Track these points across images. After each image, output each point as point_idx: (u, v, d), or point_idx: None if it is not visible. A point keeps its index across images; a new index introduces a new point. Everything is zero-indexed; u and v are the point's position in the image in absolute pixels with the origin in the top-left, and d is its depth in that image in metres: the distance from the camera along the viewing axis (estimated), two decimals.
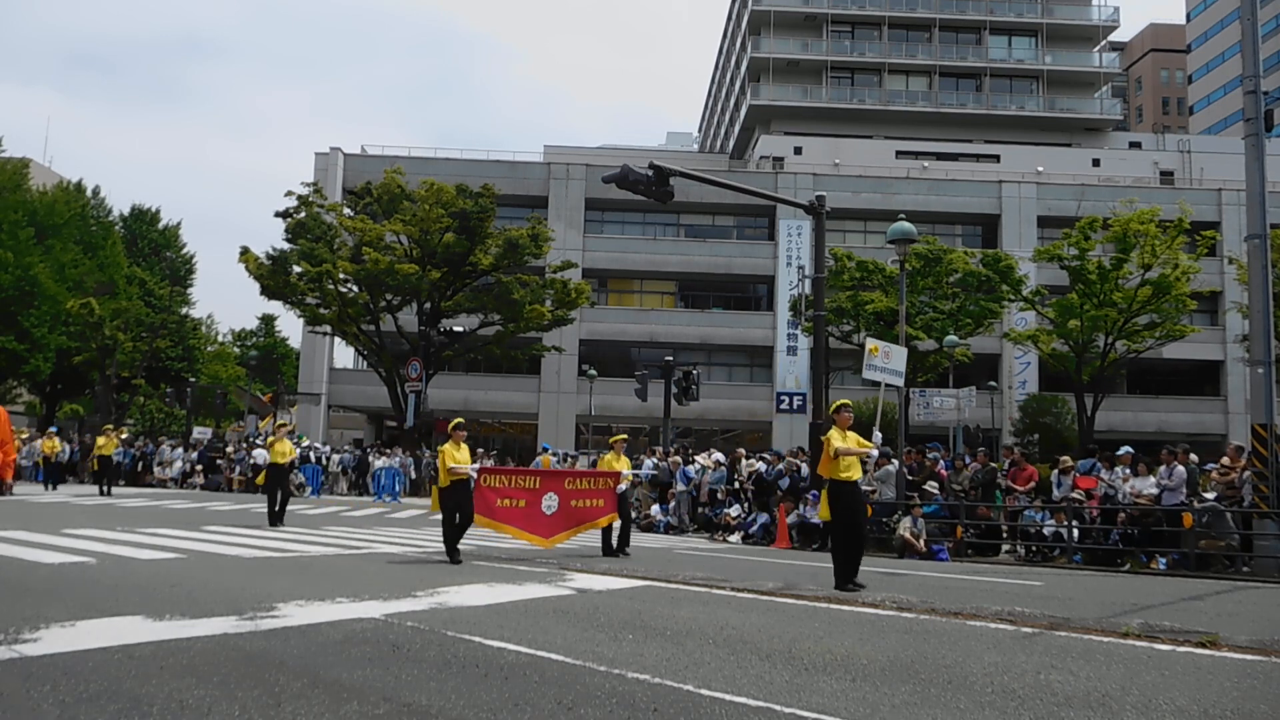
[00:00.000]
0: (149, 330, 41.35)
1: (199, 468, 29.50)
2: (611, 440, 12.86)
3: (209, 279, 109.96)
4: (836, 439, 8.95)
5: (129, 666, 4.61)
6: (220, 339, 59.11)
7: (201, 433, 36.37)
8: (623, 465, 12.29)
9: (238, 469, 28.91)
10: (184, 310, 48.52)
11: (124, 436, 30.35)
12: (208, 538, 11.94)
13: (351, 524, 16.69)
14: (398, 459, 27.27)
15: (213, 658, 4.86)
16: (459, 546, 10.44)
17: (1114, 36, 57.89)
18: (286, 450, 15.48)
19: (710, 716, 4.07)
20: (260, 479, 16.41)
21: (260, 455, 28.51)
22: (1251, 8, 13.43)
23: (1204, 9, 71.77)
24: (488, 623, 6.27)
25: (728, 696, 4.41)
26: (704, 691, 4.49)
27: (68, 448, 29.09)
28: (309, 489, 26.81)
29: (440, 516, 10.64)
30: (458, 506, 10.40)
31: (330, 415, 43.13)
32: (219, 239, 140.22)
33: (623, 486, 11.97)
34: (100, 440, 23.67)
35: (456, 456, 10.50)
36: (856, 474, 9.03)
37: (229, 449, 30.49)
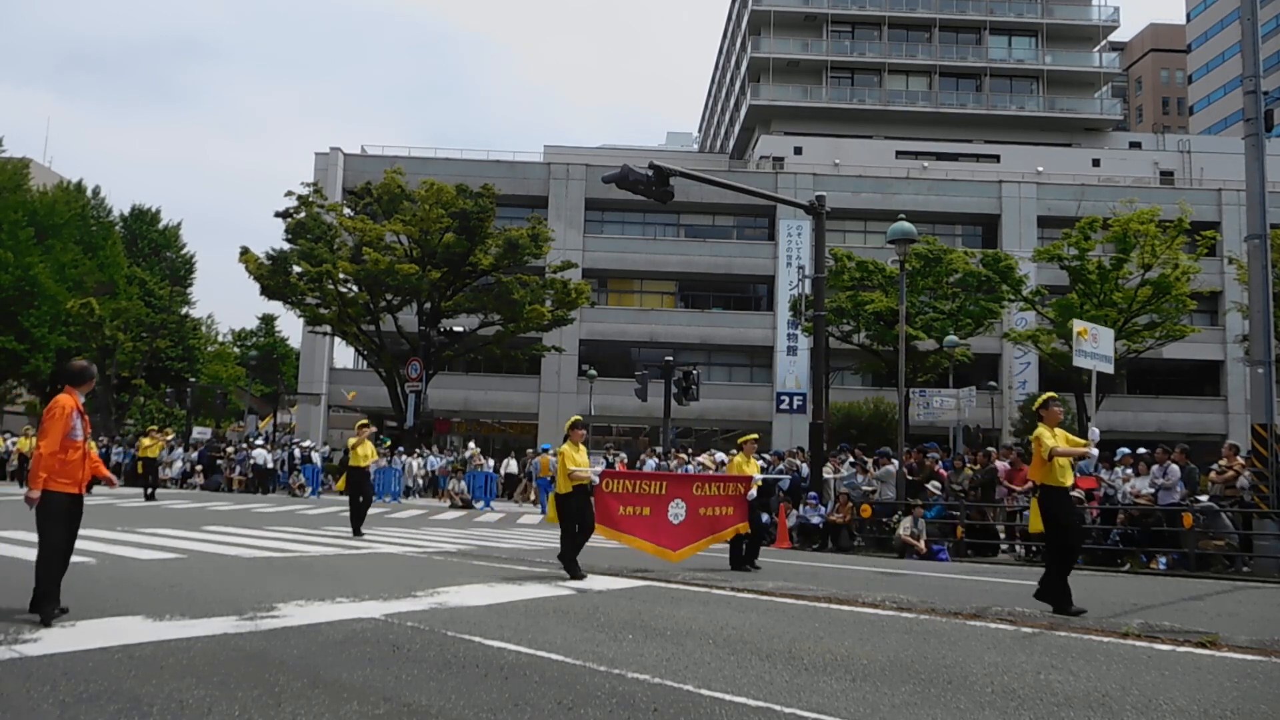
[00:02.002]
0: (149, 330, 41.37)
1: (199, 468, 29.50)
2: (741, 441, 11.66)
3: (209, 279, 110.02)
4: (1049, 438, 7.72)
5: (129, 666, 4.62)
6: (220, 339, 59.13)
7: (201, 433, 36.39)
8: (753, 469, 11.21)
9: (238, 469, 28.92)
10: (184, 310, 48.53)
11: (170, 438, 29.40)
12: (208, 538, 11.94)
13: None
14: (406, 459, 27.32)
15: (213, 658, 4.86)
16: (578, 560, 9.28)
17: (1114, 36, 57.89)
18: (369, 453, 14.25)
19: (710, 716, 4.07)
20: (340, 484, 15.19)
21: (260, 455, 28.57)
22: (1251, 8, 13.43)
23: (1204, 9, 71.76)
24: (488, 623, 6.27)
25: (728, 696, 4.41)
26: (704, 691, 4.49)
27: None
28: (309, 489, 26.83)
29: (560, 527, 9.37)
30: (579, 515, 9.26)
31: (330, 415, 43.10)
32: (218, 239, 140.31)
33: (753, 493, 10.92)
34: (145, 441, 22.85)
35: (576, 459, 9.31)
36: (1070, 479, 7.91)
37: (229, 449, 30.50)
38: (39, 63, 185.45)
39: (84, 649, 4.97)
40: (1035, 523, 7.87)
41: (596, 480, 9.46)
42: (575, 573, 9.02)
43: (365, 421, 15.09)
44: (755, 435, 12.04)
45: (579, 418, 9.90)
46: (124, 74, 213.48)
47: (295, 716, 3.84)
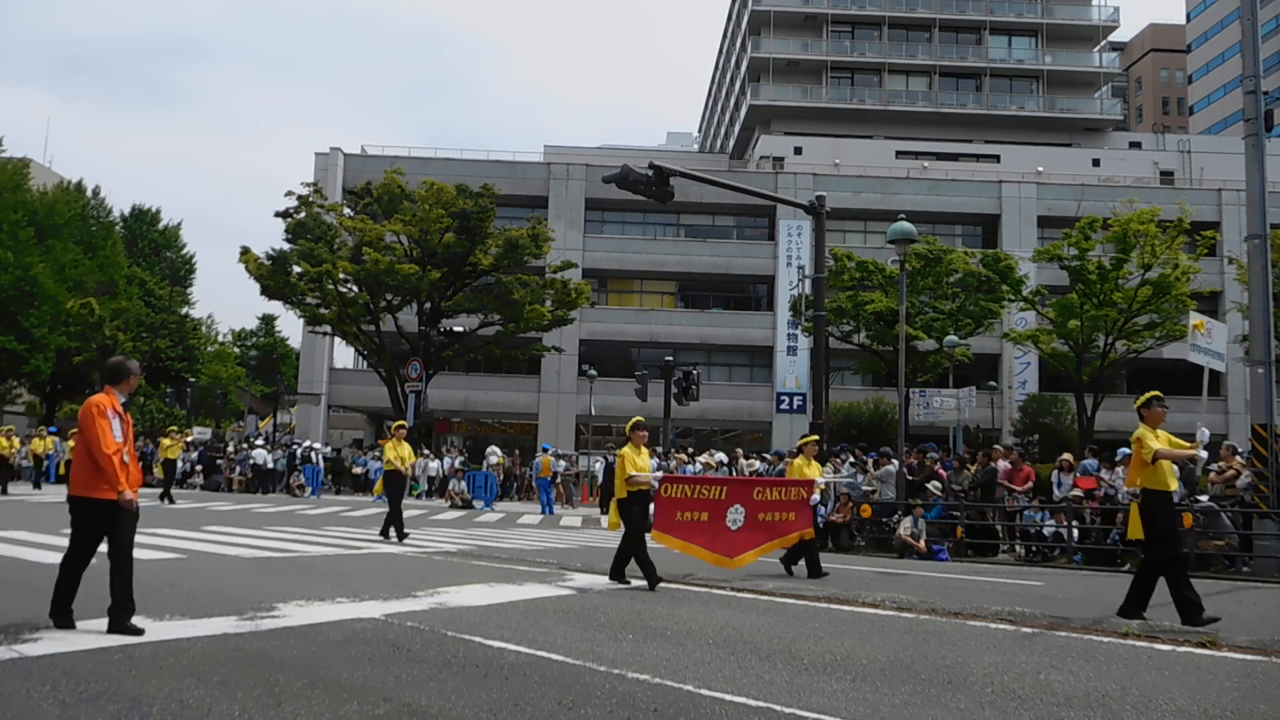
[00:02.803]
0: (149, 330, 41.37)
1: (199, 468, 29.50)
2: (801, 442, 11.15)
3: (209, 279, 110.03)
4: (1152, 439, 7.22)
5: (129, 666, 4.62)
6: (220, 339, 59.11)
7: (201, 433, 36.38)
8: (814, 471, 10.64)
9: (238, 469, 28.92)
10: (184, 310, 48.53)
11: (190, 439, 29.12)
12: (208, 538, 11.94)
13: (351, 524, 16.68)
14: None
15: (213, 658, 4.86)
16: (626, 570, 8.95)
17: (1114, 36, 57.90)
18: (405, 454, 13.45)
19: (710, 716, 4.07)
20: (377, 487, 14.32)
21: (260, 455, 28.57)
22: (1251, 8, 13.43)
23: (1204, 9, 71.76)
24: (488, 623, 6.27)
25: (728, 696, 4.41)
26: (704, 691, 4.49)
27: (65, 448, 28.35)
28: (309, 489, 26.83)
29: (625, 533, 8.89)
30: (640, 521, 8.83)
31: (330, 415, 43.11)
32: (218, 239, 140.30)
33: (815, 497, 10.35)
34: (165, 442, 22.49)
35: (638, 463, 8.82)
36: (1175, 483, 7.43)
37: (229, 449, 30.50)
38: (37, 63, 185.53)
39: (84, 649, 4.97)
40: (1135, 529, 7.37)
41: (656, 485, 9.03)
42: (620, 578, 8.75)
43: (402, 422, 14.38)
44: (815, 437, 11.47)
45: (640, 419, 9.41)
46: (122, 75, 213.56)
47: (295, 716, 3.84)
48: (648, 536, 8.91)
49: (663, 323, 42.28)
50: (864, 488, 16.53)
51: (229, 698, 4.09)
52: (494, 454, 27.18)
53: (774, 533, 9.86)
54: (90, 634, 5.36)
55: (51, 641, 5.14)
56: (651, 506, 9.14)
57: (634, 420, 9.27)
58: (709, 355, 42.34)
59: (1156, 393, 7.64)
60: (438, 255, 30.89)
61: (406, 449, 13.51)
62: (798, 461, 10.87)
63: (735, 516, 9.52)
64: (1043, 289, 31.19)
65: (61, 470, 25.81)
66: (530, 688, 4.46)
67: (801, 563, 10.34)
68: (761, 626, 6.60)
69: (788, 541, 10.10)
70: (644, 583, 8.51)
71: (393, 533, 13.06)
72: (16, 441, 24.19)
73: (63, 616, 5.48)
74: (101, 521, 5.51)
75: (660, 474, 9.69)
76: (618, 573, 8.85)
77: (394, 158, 41.05)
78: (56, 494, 22.77)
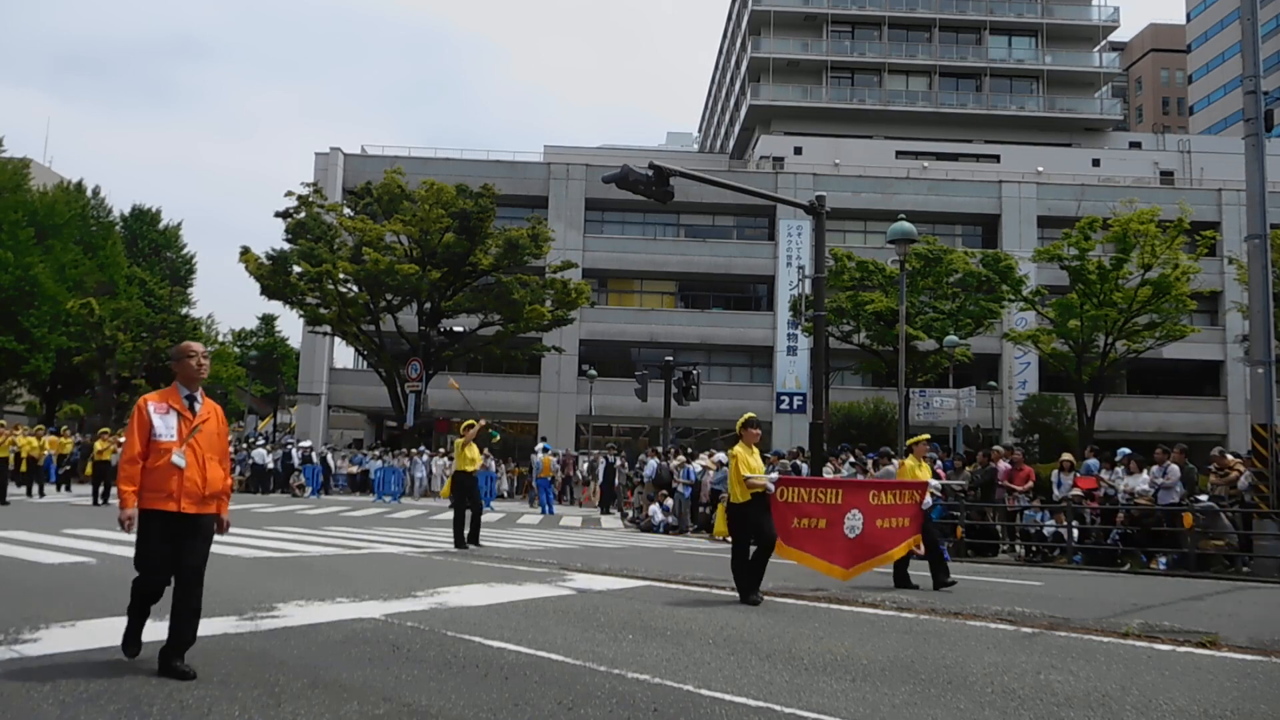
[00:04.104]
0: (149, 330, 41.33)
1: None
2: (910, 442, 10.42)
3: (209, 279, 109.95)
4: None
5: (129, 666, 4.62)
6: (220, 339, 59.04)
7: None
8: (926, 473, 9.92)
9: (237, 469, 28.90)
10: (184, 310, 48.50)
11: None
12: None
13: (351, 524, 16.68)
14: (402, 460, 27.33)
15: (213, 657, 4.86)
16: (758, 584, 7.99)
17: (1114, 36, 57.88)
18: (475, 456, 12.74)
19: (710, 716, 4.07)
20: (445, 490, 13.52)
21: (259, 455, 28.56)
22: (1251, 8, 13.44)
23: (1204, 9, 71.74)
24: (488, 623, 6.27)
25: (728, 696, 4.41)
26: (704, 691, 4.49)
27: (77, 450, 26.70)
28: (309, 489, 26.83)
29: (731, 542, 8.33)
30: (755, 528, 7.98)
31: (330, 415, 43.10)
32: (218, 239, 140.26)
33: (928, 500, 9.59)
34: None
35: (751, 463, 8.12)
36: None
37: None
38: (37, 64, 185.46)
39: (84, 649, 4.97)
40: None
41: (772, 488, 8.21)
42: (747, 596, 7.79)
43: (472, 421, 13.35)
44: (926, 436, 10.69)
45: (752, 414, 8.65)
46: (122, 75, 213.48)
47: (295, 716, 3.85)
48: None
49: (663, 323, 42.27)
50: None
51: (229, 698, 4.09)
52: (542, 451, 26.28)
53: (890, 541, 9.15)
54: (90, 634, 5.35)
55: (51, 641, 5.14)
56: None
57: (746, 417, 8.50)
58: (709, 355, 42.33)
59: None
60: (438, 255, 30.89)
61: (475, 450, 12.80)
62: (908, 462, 10.10)
63: (853, 523, 8.79)
64: (1043, 289, 31.19)
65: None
66: (530, 688, 4.46)
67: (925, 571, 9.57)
68: (761, 626, 6.60)
69: (900, 552, 9.29)
70: (634, 580, 8.47)
71: (478, 539, 12.47)
72: (47, 441, 23.04)
73: (131, 644, 4.77)
74: (157, 537, 4.57)
75: (776, 475, 8.86)
76: (750, 589, 7.83)
77: (394, 158, 41.04)
78: (64, 496, 22.77)
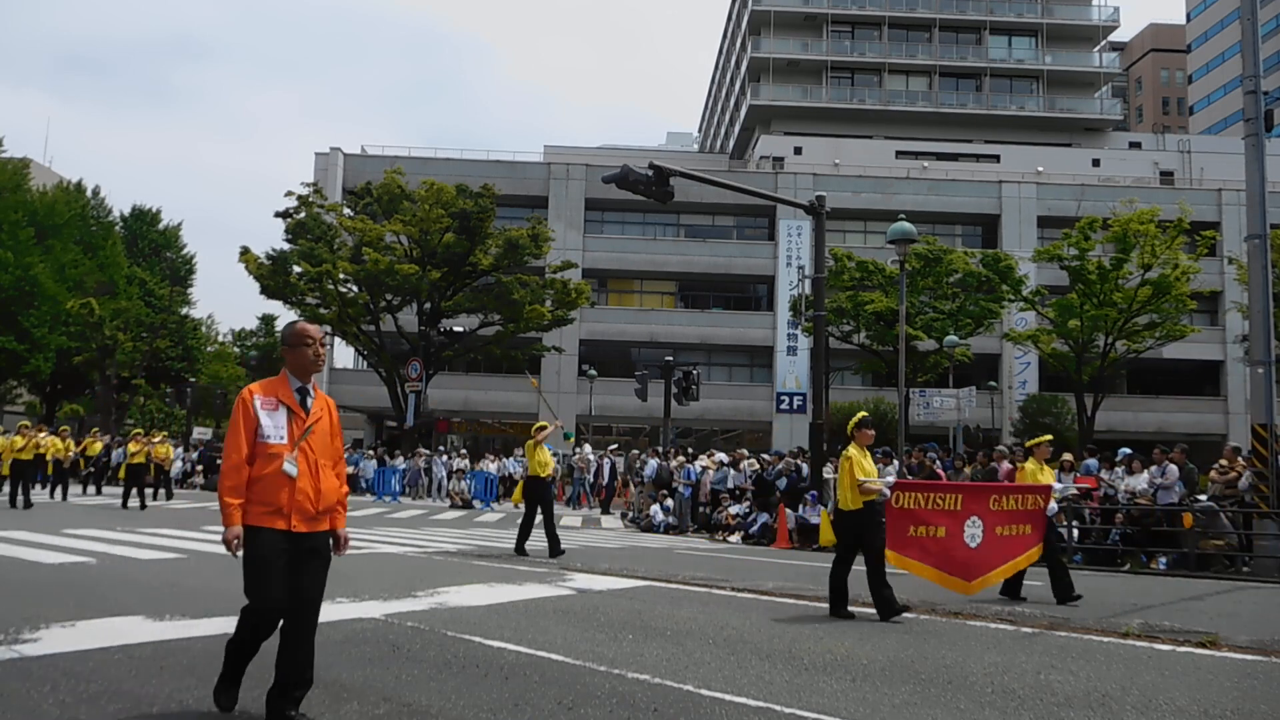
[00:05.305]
0: (149, 330, 41.33)
1: (199, 468, 29.50)
2: (1030, 444, 9.65)
3: (209, 279, 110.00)
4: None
5: (129, 666, 4.62)
6: (220, 339, 59.04)
7: (201, 433, 36.38)
8: (1048, 477, 9.22)
9: None
10: (184, 310, 48.48)
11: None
12: (208, 538, 11.94)
13: (351, 524, 16.61)
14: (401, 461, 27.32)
15: (214, 657, 4.85)
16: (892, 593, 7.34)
17: (1114, 36, 57.87)
18: (547, 460, 12.02)
19: (710, 716, 4.07)
20: (516, 495, 12.76)
21: None
22: (1251, 8, 13.44)
23: (1204, 9, 71.75)
24: (488, 623, 6.27)
25: (728, 696, 4.41)
26: (704, 691, 4.49)
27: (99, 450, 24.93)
28: None
29: (836, 550, 7.79)
30: (868, 537, 7.46)
31: None
32: (218, 240, 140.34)
33: (1053, 506, 8.90)
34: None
35: (865, 466, 7.52)
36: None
37: None
38: (37, 63, 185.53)
39: (84, 649, 4.97)
40: None
41: (888, 493, 7.67)
42: (888, 612, 7.11)
43: (544, 424, 12.60)
44: (1049, 437, 10.00)
45: (865, 414, 8.04)
46: (122, 75, 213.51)
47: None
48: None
49: (663, 323, 42.26)
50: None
51: None
52: (584, 450, 25.39)
53: (1012, 550, 8.50)
54: (90, 634, 5.35)
55: (51, 641, 5.13)
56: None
57: (859, 416, 7.88)
58: (709, 355, 42.33)
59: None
60: (438, 255, 30.89)
61: (547, 454, 12.07)
62: (1029, 466, 9.33)
63: (974, 531, 8.17)
64: (1043, 289, 31.20)
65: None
66: (530, 688, 4.46)
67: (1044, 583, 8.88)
68: (761, 626, 6.60)
69: (1023, 563, 8.61)
70: (634, 580, 8.45)
71: (559, 547, 11.55)
72: (71, 443, 22.02)
73: (225, 692, 3.92)
74: (271, 555, 3.72)
75: (893, 478, 8.38)
76: (887, 608, 7.15)
77: (394, 158, 41.03)
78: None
